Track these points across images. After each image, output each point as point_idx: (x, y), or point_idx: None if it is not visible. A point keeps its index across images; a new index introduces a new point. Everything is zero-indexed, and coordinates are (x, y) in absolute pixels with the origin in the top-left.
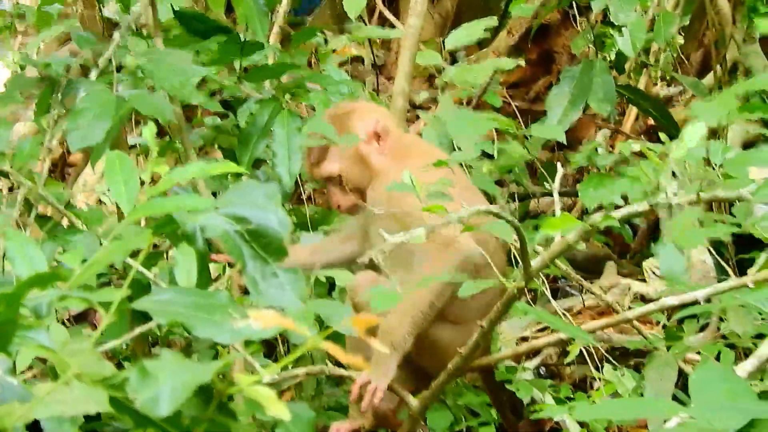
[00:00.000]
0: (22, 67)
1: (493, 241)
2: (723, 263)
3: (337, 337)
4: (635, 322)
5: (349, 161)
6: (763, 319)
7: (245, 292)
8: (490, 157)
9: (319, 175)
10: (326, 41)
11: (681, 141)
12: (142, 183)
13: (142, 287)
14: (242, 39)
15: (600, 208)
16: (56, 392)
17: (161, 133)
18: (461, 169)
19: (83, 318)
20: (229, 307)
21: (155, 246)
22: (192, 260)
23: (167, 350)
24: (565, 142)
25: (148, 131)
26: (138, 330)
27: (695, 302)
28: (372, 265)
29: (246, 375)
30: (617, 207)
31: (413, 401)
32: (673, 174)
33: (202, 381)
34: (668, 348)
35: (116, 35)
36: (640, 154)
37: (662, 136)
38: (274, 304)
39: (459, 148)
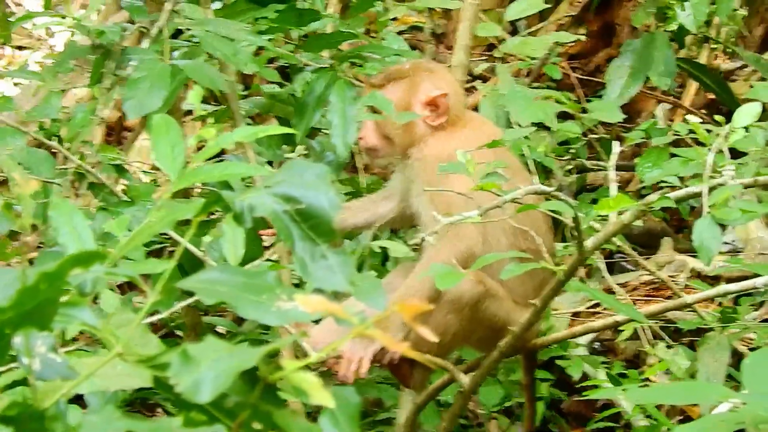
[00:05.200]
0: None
1: (543, 224)
2: None
3: None
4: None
5: (399, 107)
6: None
7: None
8: (547, 128)
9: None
10: (386, 9)
11: (733, 123)
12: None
13: (193, 258)
14: (300, 7)
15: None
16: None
17: (218, 99)
18: (511, 153)
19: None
20: (277, 288)
21: (210, 213)
22: (240, 234)
23: (212, 334)
24: (621, 121)
25: (195, 95)
26: (186, 302)
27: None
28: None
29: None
30: (674, 187)
31: (464, 378)
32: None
33: (245, 367)
34: (723, 329)
35: (168, 4)
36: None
37: (719, 118)
38: (322, 287)
39: (518, 125)
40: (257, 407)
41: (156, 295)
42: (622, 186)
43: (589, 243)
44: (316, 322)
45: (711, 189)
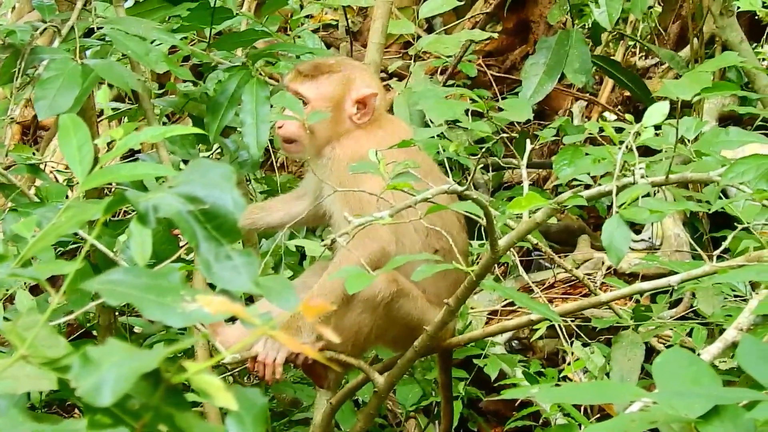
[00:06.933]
0: None
1: (456, 223)
2: (692, 240)
3: None
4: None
5: (326, 101)
6: (737, 296)
7: None
8: (464, 127)
9: (293, 88)
10: (301, 7)
11: (643, 122)
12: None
13: (108, 259)
14: (213, 5)
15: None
16: (8, 369)
17: (132, 99)
18: (424, 153)
19: None
20: (181, 289)
21: (125, 213)
22: (147, 235)
23: (114, 338)
24: (538, 119)
25: (102, 94)
26: (97, 302)
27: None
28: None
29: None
30: (589, 186)
31: (379, 378)
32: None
33: (147, 369)
34: (637, 327)
35: (78, 3)
36: (617, 129)
37: (629, 117)
38: (227, 287)
39: (431, 122)
40: (160, 409)
41: (60, 296)
42: (540, 183)
43: (502, 242)
44: (231, 322)
45: (621, 188)
